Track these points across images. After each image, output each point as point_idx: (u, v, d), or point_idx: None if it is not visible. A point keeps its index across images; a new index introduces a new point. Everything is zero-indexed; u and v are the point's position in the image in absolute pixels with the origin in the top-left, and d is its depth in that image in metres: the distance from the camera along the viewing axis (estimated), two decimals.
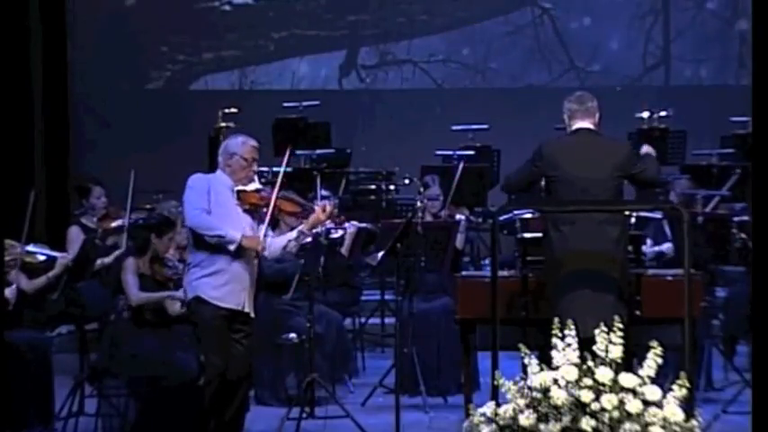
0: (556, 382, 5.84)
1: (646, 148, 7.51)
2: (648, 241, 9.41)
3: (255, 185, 7.47)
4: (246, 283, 7.39)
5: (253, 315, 7.48)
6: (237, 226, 7.34)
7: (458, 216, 10.02)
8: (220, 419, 7.32)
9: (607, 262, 7.05)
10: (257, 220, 7.47)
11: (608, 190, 7.12)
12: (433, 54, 15.18)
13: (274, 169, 10.19)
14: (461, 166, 11.19)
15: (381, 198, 11.90)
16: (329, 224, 9.41)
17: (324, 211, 7.52)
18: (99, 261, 9.24)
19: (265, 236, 7.43)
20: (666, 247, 9.52)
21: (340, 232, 9.80)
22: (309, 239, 9.02)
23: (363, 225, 9.99)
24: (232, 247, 7.27)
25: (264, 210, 7.42)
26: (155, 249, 8.23)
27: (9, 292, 8.10)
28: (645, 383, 5.85)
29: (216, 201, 7.30)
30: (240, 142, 7.45)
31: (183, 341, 7.94)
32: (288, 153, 8.02)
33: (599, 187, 7.10)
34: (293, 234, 7.57)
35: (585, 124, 7.26)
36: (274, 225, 7.84)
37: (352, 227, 9.90)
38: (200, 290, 7.29)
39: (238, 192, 7.39)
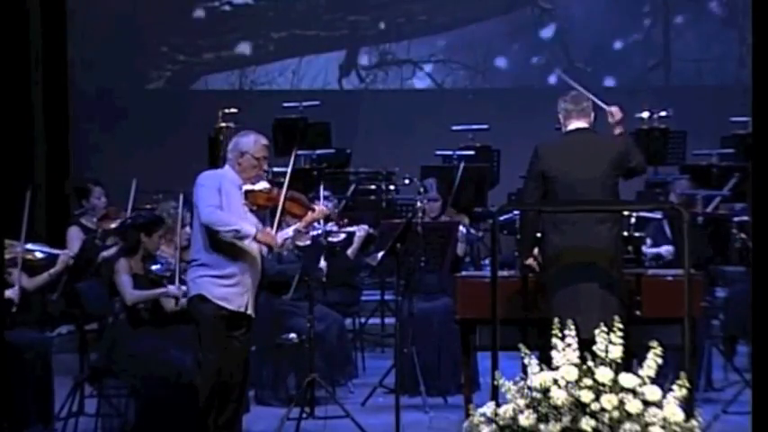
0: (556, 382, 5.84)
1: (614, 110, 7.40)
2: (648, 241, 9.41)
3: (263, 185, 7.44)
4: (250, 285, 7.37)
5: (254, 316, 7.48)
6: None
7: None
8: (218, 418, 7.31)
9: (606, 261, 7.06)
10: (263, 220, 7.48)
11: (606, 189, 7.13)
12: (433, 54, 15.19)
13: (274, 169, 10.19)
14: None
15: (381, 198, 11.91)
16: (331, 225, 9.43)
17: (318, 210, 7.54)
18: (101, 254, 9.19)
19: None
20: (665, 250, 9.47)
21: (342, 236, 9.80)
22: (308, 242, 9.02)
23: (372, 231, 9.96)
24: (247, 242, 7.25)
25: (272, 210, 7.43)
26: (145, 248, 8.22)
27: (12, 293, 8.09)
28: (645, 383, 5.85)
29: (226, 201, 7.28)
30: (252, 141, 7.40)
31: (183, 341, 7.92)
32: (293, 154, 7.98)
33: (596, 187, 7.10)
34: (290, 232, 7.58)
35: (581, 124, 7.27)
36: (279, 225, 7.84)
37: (361, 230, 9.90)
38: (204, 288, 7.27)
39: (246, 192, 7.36)
